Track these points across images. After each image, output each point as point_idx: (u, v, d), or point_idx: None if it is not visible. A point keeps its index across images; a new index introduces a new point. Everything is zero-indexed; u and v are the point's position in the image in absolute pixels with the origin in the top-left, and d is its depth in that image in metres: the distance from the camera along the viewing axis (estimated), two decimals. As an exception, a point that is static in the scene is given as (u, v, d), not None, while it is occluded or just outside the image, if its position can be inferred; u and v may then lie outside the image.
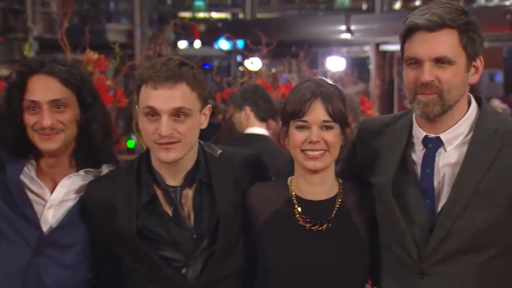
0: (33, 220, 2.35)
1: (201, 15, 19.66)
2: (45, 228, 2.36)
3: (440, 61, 2.14)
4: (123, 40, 12.83)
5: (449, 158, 2.21)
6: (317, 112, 2.26)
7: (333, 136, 2.27)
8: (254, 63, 7.56)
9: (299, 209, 2.33)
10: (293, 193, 2.36)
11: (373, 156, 2.33)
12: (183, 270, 2.29)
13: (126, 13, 18.06)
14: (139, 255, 2.30)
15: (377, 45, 14.75)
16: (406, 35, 2.19)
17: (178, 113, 2.22)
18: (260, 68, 7.45)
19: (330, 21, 15.82)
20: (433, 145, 2.22)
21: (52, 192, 2.40)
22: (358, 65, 14.10)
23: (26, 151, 2.39)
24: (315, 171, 2.30)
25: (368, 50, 15.40)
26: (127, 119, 6.32)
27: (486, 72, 17.62)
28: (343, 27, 14.86)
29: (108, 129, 2.48)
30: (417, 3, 14.91)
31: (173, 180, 2.33)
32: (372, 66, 14.99)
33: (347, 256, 2.30)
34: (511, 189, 2.13)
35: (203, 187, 2.34)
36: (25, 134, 2.36)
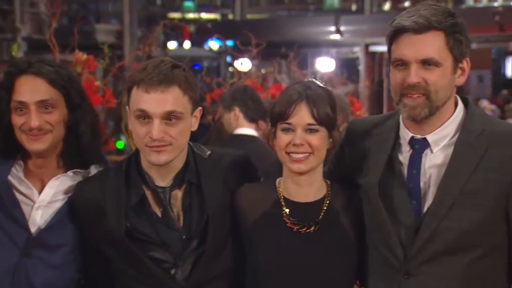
0: (21, 221, 2.34)
1: (191, 15, 19.67)
2: (33, 229, 2.35)
3: (426, 63, 2.15)
4: (112, 40, 12.81)
5: (435, 159, 2.22)
6: (302, 115, 2.26)
7: (318, 140, 2.28)
8: (243, 64, 7.56)
9: (287, 211, 2.34)
10: (281, 195, 2.36)
11: (361, 157, 2.34)
12: (172, 271, 2.29)
13: (116, 13, 18.05)
14: (128, 255, 2.30)
15: (367, 46, 14.81)
16: (393, 37, 2.20)
17: (169, 117, 2.22)
18: (250, 69, 7.46)
19: (319, 22, 15.87)
20: (419, 146, 2.23)
21: (40, 193, 2.39)
22: (347, 66, 14.14)
23: (14, 151, 2.39)
24: (300, 173, 2.31)
25: (358, 51, 15.46)
26: (116, 120, 6.30)
27: (475, 73, 17.71)
28: (333, 28, 14.91)
29: (96, 129, 2.47)
30: (407, 4, 14.98)
31: (162, 181, 2.33)
32: (361, 67, 15.04)
33: (335, 258, 2.31)
34: (497, 191, 2.15)
35: (192, 187, 2.34)
36: (13, 134, 2.35)
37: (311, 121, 2.26)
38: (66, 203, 2.39)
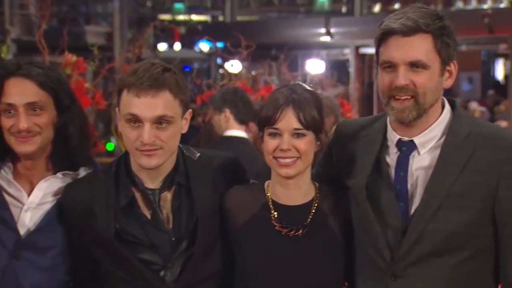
0: (10, 223, 2.34)
1: (181, 17, 19.66)
2: (22, 231, 2.35)
3: (414, 65, 2.16)
4: (102, 42, 12.80)
5: (422, 161, 2.22)
6: (288, 120, 2.26)
7: (305, 144, 2.28)
8: (234, 66, 7.56)
9: (275, 214, 2.34)
10: (270, 198, 2.37)
11: (349, 159, 2.34)
12: (162, 273, 2.29)
13: (106, 15, 18.01)
14: (117, 257, 2.29)
15: (357, 48, 14.83)
16: (381, 39, 2.21)
17: (160, 121, 2.22)
18: (240, 71, 7.46)
19: (309, 24, 15.90)
20: (406, 148, 2.24)
21: (29, 194, 2.39)
22: (337, 68, 14.16)
23: (3, 153, 2.38)
24: (288, 177, 2.31)
25: (348, 53, 15.48)
26: (106, 122, 6.29)
27: (465, 75, 17.78)
28: (323, 30, 14.93)
29: (86, 132, 2.47)
30: (396, 6, 15.01)
31: (151, 183, 2.32)
32: (351, 69, 15.06)
33: (323, 261, 2.31)
34: (483, 193, 2.15)
35: (182, 189, 2.34)
36: (2, 137, 2.34)
37: (298, 126, 2.27)
38: (55, 205, 2.38)
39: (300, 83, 2.39)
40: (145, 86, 2.19)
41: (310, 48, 15.02)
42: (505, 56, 16.79)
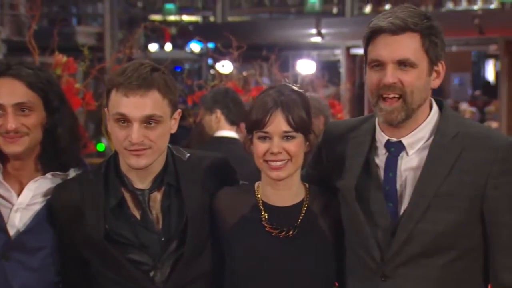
0: (0, 224, 2.32)
1: (172, 18, 19.61)
2: (12, 231, 2.34)
3: (402, 64, 2.17)
4: (93, 42, 12.76)
5: (411, 162, 2.23)
6: (278, 123, 2.26)
7: (295, 146, 2.28)
8: (225, 66, 7.57)
9: (266, 215, 2.34)
10: (260, 199, 2.37)
11: (338, 160, 2.35)
12: (151, 273, 2.29)
13: (96, 15, 17.96)
14: (107, 258, 2.29)
15: (348, 48, 14.83)
16: (370, 38, 2.22)
17: (149, 121, 2.22)
18: (231, 71, 7.46)
19: (300, 25, 15.89)
20: (395, 149, 2.24)
21: (19, 195, 2.38)
22: (328, 69, 14.18)
23: (-9, 154, 2.37)
24: (279, 180, 2.31)
25: (339, 54, 15.48)
26: (97, 122, 6.28)
27: (455, 75, 17.82)
28: (314, 31, 14.93)
29: (75, 133, 2.46)
30: (387, 7, 15.03)
31: (141, 183, 2.32)
32: (342, 70, 15.06)
33: (314, 262, 2.31)
34: (471, 193, 2.16)
35: (172, 190, 2.34)
36: (-10, 137, 2.33)
37: (287, 128, 2.26)
38: (45, 206, 2.38)
39: (287, 83, 2.39)
40: (134, 86, 2.19)
41: (301, 48, 15.03)
42: (495, 57, 16.84)
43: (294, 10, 18.57)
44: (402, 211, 2.21)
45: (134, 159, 2.24)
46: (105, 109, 2.30)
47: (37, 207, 2.38)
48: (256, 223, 2.33)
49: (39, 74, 2.37)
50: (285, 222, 2.33)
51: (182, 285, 2.31)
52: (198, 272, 2.33)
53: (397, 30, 2.16)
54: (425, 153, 2.22)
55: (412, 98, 2.18)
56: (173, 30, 17.78)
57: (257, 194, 2.38)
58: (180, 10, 19.68)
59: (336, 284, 2.41)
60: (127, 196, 2.32)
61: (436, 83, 2.25)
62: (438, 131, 2.23)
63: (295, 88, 2.36)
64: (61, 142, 2.40)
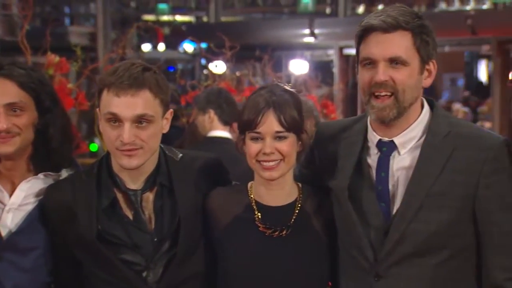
0: (-8, 224, 2.32)
1: (165, 18, 19.60)
2: (4, 232, 2.34)
3: (394, 62, 2.18)
4: (86, 42, 12.73)
5: (403, 162, 2.24)
6: (270, 123, 2.26)
7: (287, 146, 2.28)
8: (218, 66, 7.56)
9: (259, 215, 2.34)
10: (253, 199, 2.36)
11: (330, 160, 2.35)
12: (144, 274, 2.29)
13: (89, 15, 17.92)
14: (100, 258, 2.29)
15: (341, 48, 14.84)
16: (361, 37, 2.23)
17: (140, 120, 2.22)
18: (224, 72, 7.45)
19: (294, 25, 15.89)
20: (387, 148, 2.25)
21: (11, 195, 2.37)
22: (321, 69, 14.17)
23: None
24: (272, 180, 2.31)
25: (332, 54, 15.48)
26: (89, 123, 6.27)
27: (448, 76, 17.86)
28: (307, 31, 14.94)
29: (68, 133, 2.46)
30: (380, 7, 15.05)
31: (133, 183, 2.32)
32: (335, 70, 15.07)
33: (307, 261, 2.32)
34: (463, 192, 2.17)
35: (164, 190, 2.34)
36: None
37: (280, 128, 2.27)
38: (37, 206, 2.38)
39: (279, 83, 2.39)
40: (125, 85, 2.19)
41: (294, 49, 15.02)
42: (488, 57, 16.89)
43: (287, 10, 18.57)
44: (394, 210, 2.22)
45: (125, 159, 2.23)
46: (97, 109, 2.30)
47: (29, 208, 2.37)
48: (250, 223, 2.33)
49: (31, 74, 2.37)
50: (278, 222, 2.33)
51: (174, 285, 2.31)
52: (190, 272, 2.33)
53: (389, 28, 2.17)
54: (417, 152, 2.22)
55: (404, 96, 2.18)
56: (166, 30, 17.76)
57: (250, 194, 2.38)
58: (173, 10, 19.66)
59: (330, 284, 2.41)
60: (119, 196, 2.32)
61: (427, 82, 2.26)
62: (429, 130, 2.23)
63: (287, 88, 2.36)
64: (53, 142, 2.39)
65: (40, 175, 2.41)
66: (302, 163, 2.46)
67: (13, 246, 2.33)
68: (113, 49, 5.31)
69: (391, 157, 2.24)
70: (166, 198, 2.34)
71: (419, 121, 2.25)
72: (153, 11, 19.45)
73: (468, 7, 14.04)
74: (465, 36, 12.90)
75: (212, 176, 2.44)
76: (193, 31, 15.44)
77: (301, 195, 2.38)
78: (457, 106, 14.46)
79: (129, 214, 2.31)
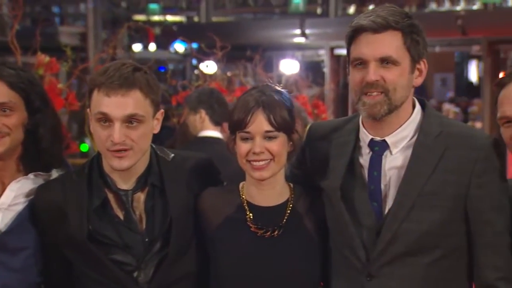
0: (-18, 225, 2.31)
1: (156, 18, 19.57)
2: (-7, 232, 2.32)
3: (384, 61, 2.18)
4: (76, 42, 12.69)
5: (395, 161, 2.24)
6: (259, 123, 2.26)
7: (277, 146, 2.28)
8: (209, 67, 7.54)
9: (251, 215, 2.33)
10: (245, 199, 2.36)
11: (322, 160, 2.35)
12: (135, 274, 2.28)
13: (80, 15, 17.87)
14: (90, 259, 2.28)
15: (332, 49, 14.84)
16: (352, 37, 2.23)
17: (131, 120, 2.21)
18: (215, 72, 7.44)
19: (284, 25, 15.89)
20: (379, 148, 2.25)
21: (0, 195, 2.36)
22: (312, 69, 14.16)
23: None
24: (263, 180, 2.30)
25: (323, 54, 15.49)
26: (80, 123, 6.24)
27: (438, 76, 17.90)
28: (298, 31, 14.94)
29: (57, 133, 2.45)
30: (371, 7, 15.06)
31: (124, 184, 2.32)
32: (326, 70, 15.08)
33: (299, 261, 2.31)
34: (455, 192, 2.18)
35: (156, 190, 2.34)
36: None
37: (269, 128, 2.26)
38: (27, 206, 2.37)
39: (270, 84, 2.39)
40: (115, 85, 2.19)
41: (285, 49, 15.01)
42: (478, 57, 16.93)
43: (278, 10, 18.57)
44: (386, 210, 2.22)
45: (116, 161, 2.23)
46: (88, 109, 2.30)
47: (19, 208, 2.37)
48: (241, 223, 2.33)
49: (20, 74, 2.36)
50: (270, 222, 2.33)
51: (166, 286, 2.30)
52: (182, 272, 2.33)
53: (379, 28, 2.18)
54: (409, 152, 2.23)
55: (395, 95, 2.19)
56: (157, 30, 17.75)
57: (242, 194, 2.38)
58: (164, 10, 19.63)
59: (322, 284, 2.41)
60: (110, 196, 2.31)
61: (418, 81, 2.26)
62: (421, 130, 2.24)
63: (278, 88, 2.36)
64: (43, 142, 2.39)
65: (30, 175, 2.41)
66: (293, 163, 2.46)
67: (2, 246, 2.33)
68: (104, 49, 5.31)
69: (383, 157, 2.25)
70: (158, 198, 2.33)
71: (411, 121, 2.25)
72: (144, 11, 19.42)
73: (458, 8, 14.07)
74: (455, 36, 12.92)
75: (204, 176, 2.44)
76: (184, 31, 15.40)
77: (292, 195, 2.38)
78: (447, 106, 14.51)
79: (120, 214, 2.31)
